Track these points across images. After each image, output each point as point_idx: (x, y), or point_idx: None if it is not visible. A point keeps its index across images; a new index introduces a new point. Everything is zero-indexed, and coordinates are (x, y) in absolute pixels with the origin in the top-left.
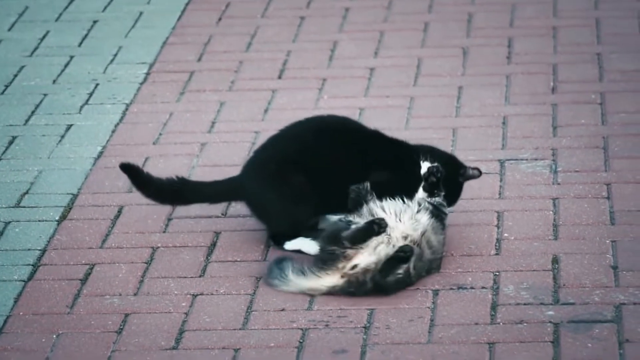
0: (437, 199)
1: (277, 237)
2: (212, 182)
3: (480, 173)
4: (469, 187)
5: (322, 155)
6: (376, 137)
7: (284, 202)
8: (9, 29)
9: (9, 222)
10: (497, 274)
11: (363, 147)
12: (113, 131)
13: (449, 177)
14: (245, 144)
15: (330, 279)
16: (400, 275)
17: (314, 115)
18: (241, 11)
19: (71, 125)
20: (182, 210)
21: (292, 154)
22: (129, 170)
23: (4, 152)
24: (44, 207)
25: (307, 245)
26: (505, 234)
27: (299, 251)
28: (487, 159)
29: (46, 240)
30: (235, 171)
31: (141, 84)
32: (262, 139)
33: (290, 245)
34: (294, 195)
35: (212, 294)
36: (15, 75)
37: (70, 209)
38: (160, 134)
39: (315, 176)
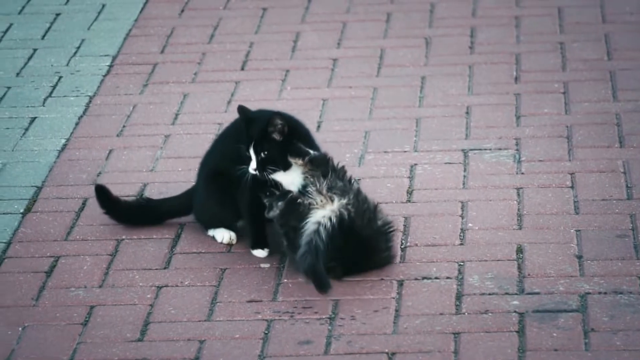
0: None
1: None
2: (172, 198)
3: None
4: (433, 178)
5: (234, 161)
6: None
7: (210, 205)
8: None
9: None
10: (462, 264)
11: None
12: (77, 123)
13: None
14: (209, 135)
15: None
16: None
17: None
18: (203, 3)
19: (35, 118)
20: None
21: (218, 162)
22: (101, 192)
23: None
24: (8, 200)
25: (220, 233)
26: (470, 224)
27: (213, 237)
28: (450, 149)
29: (11, 233)
30: (198, 163)
31: (104, 76)
32: None
33: (211, 232)
34: (218, 201)
35: (176, 286)
36: None
37: (34, 201)
38: (123, 126)
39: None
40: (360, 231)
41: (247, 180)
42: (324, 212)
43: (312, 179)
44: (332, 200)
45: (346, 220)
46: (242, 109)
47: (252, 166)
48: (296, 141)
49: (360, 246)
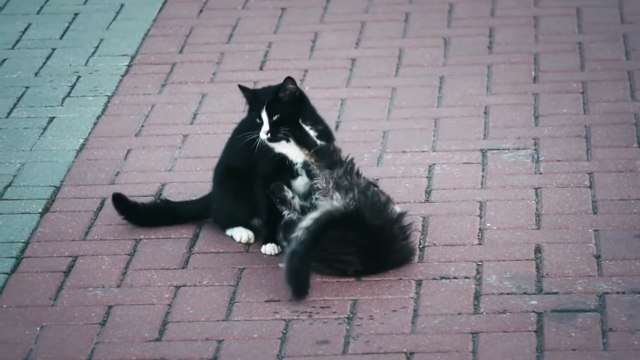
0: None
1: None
2: (191, 201)
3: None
4: (452, 178)
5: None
6: None
7: (225, 203)
8: None
9: None
10: (480, 263)
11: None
12: (95, 123)
13: None
14: (227, 135)
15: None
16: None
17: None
18: (222, 3)
19: (53, 117)
20: None
21: (231, 160)
22: (118, 201)
23: None
24: (26, 200)
25: (238, 233)
26: (488, 224)
27: (231, 237)
28: (469, 148)
29: (29, 232)
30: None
31: (123, 76)
32: None
33: (229, 232)
34: (232, 198)
35: (195, 286)
36: None
37: (52, 201)
38: (142, 126)
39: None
40: (372, 222)
41: (256, 147)
42: (315, 215)
43: (318, 171)
44: (333, 199)
45: (353, 214)
46: (242, 87)
47: (264, 129)
48: (306, 121)
49: (376, 236)
